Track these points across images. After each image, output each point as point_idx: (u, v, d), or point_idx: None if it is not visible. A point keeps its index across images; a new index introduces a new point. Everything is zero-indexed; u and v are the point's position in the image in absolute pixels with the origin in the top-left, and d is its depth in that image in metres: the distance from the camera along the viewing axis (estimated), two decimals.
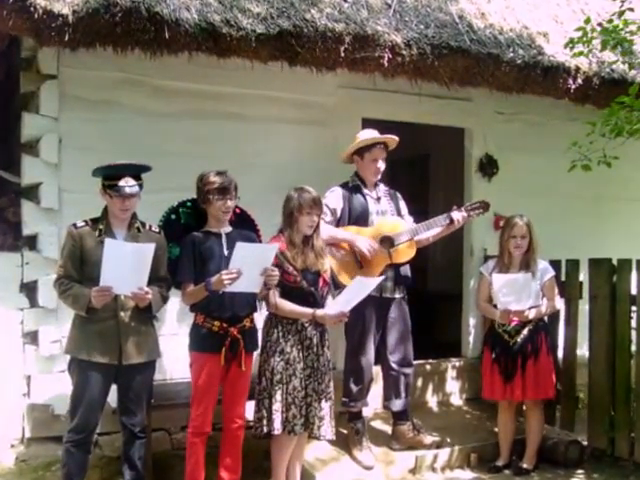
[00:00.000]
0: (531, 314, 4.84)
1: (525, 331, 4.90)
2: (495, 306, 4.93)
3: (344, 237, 4.81)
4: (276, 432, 4.07)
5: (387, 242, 4.85)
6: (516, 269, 4.93)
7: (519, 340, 4.89)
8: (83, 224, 3.89)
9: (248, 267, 3.81)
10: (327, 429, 4.22)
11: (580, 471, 5.07)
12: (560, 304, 5.16)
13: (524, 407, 5.29)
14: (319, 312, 4.13)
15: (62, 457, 3.91)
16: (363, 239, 4.79)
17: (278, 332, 4.16)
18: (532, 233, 4.93)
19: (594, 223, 6.55)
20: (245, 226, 4.32)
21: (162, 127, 4.95)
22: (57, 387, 4.55)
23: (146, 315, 3.93)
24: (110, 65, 4.70)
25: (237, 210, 4.28)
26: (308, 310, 4.14)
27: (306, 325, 4.19)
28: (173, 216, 4.24)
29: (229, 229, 4.16)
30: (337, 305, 4.15)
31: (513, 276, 4.84)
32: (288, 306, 4.13)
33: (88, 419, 3.84)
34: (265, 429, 4.11)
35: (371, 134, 4.97)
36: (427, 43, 5.02)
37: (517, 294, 4.76)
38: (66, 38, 4.17)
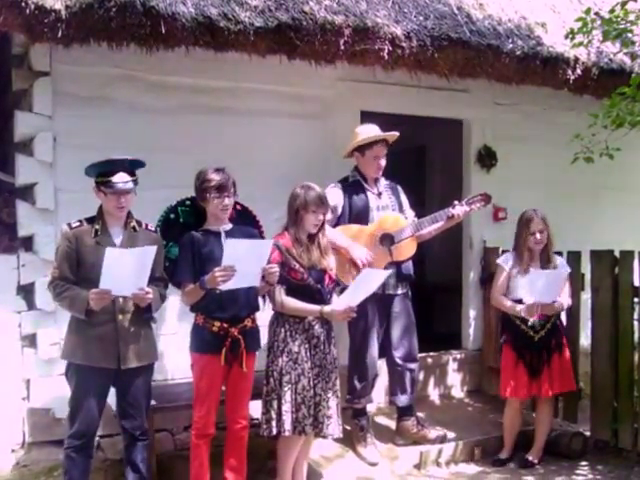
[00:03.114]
0: (557, 307, 4.78)
1: (549, 325, 4.85)
2: (517, 301, 4.84)
3: (341, 244, 4.71)
4: (287, 433, 4.03)
5: (387, 240, 4.82)
6: (537, 263, 4.88)
7: (544, 334, 4.84)
8: (78, 224, 3.80)
9: (242, 263, 3.74)
10: (335, 427, 4.18)
11: (584, 463, 5.07)
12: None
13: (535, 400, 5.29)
14: (326, 308, 4.09)
15: (63, 463, 3.85)
16: (360, 249, 4.72)
17: (285, 331, 4.11)
18: (548, 226, 4.87)
19: (594, 213, 6.56)
20: (246, 222, 4.25)
21: (159, 123, 4.87)
22: (57, 390, 4.47)
23: (145, 316, 3.86)
24: (105, 61, 4.61)
25: (238, 207, 4.22)
26: (315, 307, 4.09)
27: (313, 323, 4.14)
28: (172, 215, 4.16)
29: (229, 227, 4.09)
30: (345, 300, 4.11)
31: (546, 271, 4.79)
32: (294, 304, 4.08)
33: (88, 424, 3.77)
34: (275, 430, 4.06)
35: (371, 129, 4.91)
36: (427, 35, 4.98)
37: (548, 289, 4.68)
38: (59, 34, 4.09)
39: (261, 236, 4.30)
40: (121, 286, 3.61)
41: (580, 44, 5.04)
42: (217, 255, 3.91)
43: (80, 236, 3.76)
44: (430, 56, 5.04)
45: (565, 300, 4.89)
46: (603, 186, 6.57)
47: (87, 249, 3.74)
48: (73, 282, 3.73)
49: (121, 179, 3.72)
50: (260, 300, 4.20)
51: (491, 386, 5.81)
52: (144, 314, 3.83)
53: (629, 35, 5.01)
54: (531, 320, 4.82)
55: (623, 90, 4.67)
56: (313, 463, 4.67)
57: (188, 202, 4.18)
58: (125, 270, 3.54)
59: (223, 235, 4.02)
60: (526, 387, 4.88)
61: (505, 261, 5.02)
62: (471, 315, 6.21)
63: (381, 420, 5.42)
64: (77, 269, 3.75)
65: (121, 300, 3.73)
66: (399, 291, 4.97)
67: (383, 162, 4.91)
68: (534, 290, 4.70)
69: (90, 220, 3.82)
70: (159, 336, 4.77)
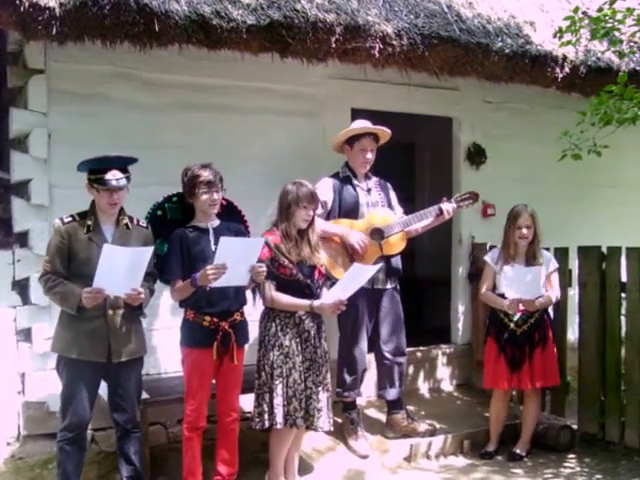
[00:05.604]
0: (537, 304, 4.82)
1: (532, 320, 4.91)
2: (501, 295, 4.91)
3: (335, 231, 4.82)
4: (278, 426, 4.09)
5: (377, 234, 4.88)
6: (522, 259, 4.94)
7: (526, 329, 4.91)
8: (70, 219, 3.83)
9: (234, 261, 3.79)
10: (325, 420, 4.24)
11: (572, 455, 5.13)
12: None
13: (521, 394, 5.36)
14: (316, 303, 4.15)
15: (57, 456, 3.90)
16: (354, 233, 4.81)
17: (276, 326, 4.17)
18: (536, 223, 4.93)
19: (582, 210, 6.62)
20: (232, 217, 4.29)
21: (152, 120, 4.91)
22: (51, 384, 4.48)
23: (136, 313, 3.91)
24: (99, 58, 4.65)
25: (224, 202, 4.24)
26: (305, 302, 4.15)
27: (303, 318, 4.20)
28: (159, 212, 4.20)
29: (216, 223, 4.14)
30: (334, 294, 4.17)
31: (525, 268, 4.85)
32: (285, 299, 4.14)
33: (80, 417, 3.82)
34: (267, 423, 4.12)
35: (363, 123, 4.98)
36: (417, 33, 5.03)
37: (528, 285, 4.76)
38: (53, 32, 4.11)
39: (247, 231, 4.35)
40: (114, 285, 3.64)
41: (568, 43, 5.10)
42: (207, 253, 3.97)
43: (72, 231, 3.79)
44: (420, 54, 5.08)
45: (553, 295, 4.95)
46: (591, 183, 6.65)
47: (79, 245, 3.77)
48: (64, 277, 3.77)
49: (114, 176, 3.75)
50: (250, 295, 4.26)
51: (480, 380, 5.82)
52: (135, 310, 3.89)
53: (616, 34, 5.06)
54: (516, 315, 4.89)
55: (611, 88, 4.73)
56: (305, 455, 4.73)
57: (175, 198, 4.23)
58: (120, 269, 3.58)
59: (211, 232, 4.07)
60: (507, 379, 4.94)
61: (491, 257, 5.09)
62: (460, 310, 6.28)
63: (371, 413, 5.48)
64: (68, 264, 3.78)
65: (112, 296, 3.75)
66: (388, 286, 5.03)
67: (370, 156, 4.96)
68: (514, 286, 4.78)
69: (82, 215, 3.85)
70: (153, 331, 4.86)
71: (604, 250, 5.14)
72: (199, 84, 5.05)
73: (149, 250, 3.69)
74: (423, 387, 6.08)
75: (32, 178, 4.61)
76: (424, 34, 5.07)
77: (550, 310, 5.11)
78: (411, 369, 5.95)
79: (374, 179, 5.14)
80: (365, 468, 4.81)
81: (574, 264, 5.36)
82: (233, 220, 4.27)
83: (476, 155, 6.21)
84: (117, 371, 3.87)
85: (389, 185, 5.24)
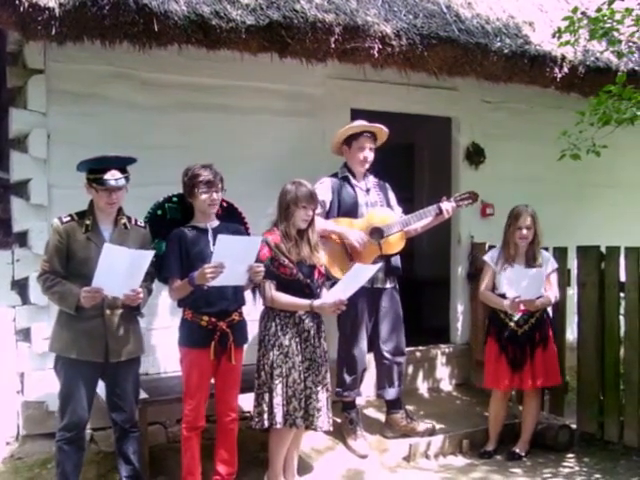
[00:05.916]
0: (538, 303, 4.82)
1: (533, 320, 4.91)
2: (502, 296, 4.91)
3: (334, 230, 4.83)
4: (278, 426, 4.09)
5: (377, 233, 4.88)
6: (522, 259, 4.94)
7: (527, 329, 4.91)
8: (69, 219, 3.83)
9: (232, 260, 3.79)
10: (324, 420, 4.24)
11: (570, 455, 5.14)
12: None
13: (520, 393, 5.35)
14: (316, 302, 4.15)
15: (55, 456, 3.90)
16: (353, 231, 4.82)
17: (276, 325, 4.17)
18: (537, 224, 4.94)
19: (580, 210, 6.63)
20: (233, 219, 4.30)
21: (151, 120, 4.92)
22: (51, 383, 4.48)
23: (134, 313, 3.92)
24: (98, 59, 4.66)
25: (224, 203, 4.26)
26: (305, 301, 4.15)
27: (303, 317, 4.20)
28: (159, 212, 4.20)
29: (216, 223, 4.14)
30: (335, 293, 4.17)
31: (525, 269, 4.85)
32: (285, 298, 4.14)
33: (79, 417, 3.83)
34: (266, 423, 4.12)
35: (359, 122, 4.99)
36: (416, 33, 5.04)
37: (528, 286, 4.75)
38: (53, 32, 4.12)
39: (247, 233, 4.35)
40: (113, 286, 3.64)
41: (567, 43, 5.10)
42: (205, 253, 3.97)
43: (71, 231, 3.79)
44: (419, 54, 5.09)
45: (552, 295, 4.95)
46: (590, 183, 6.65)
47: (78, 244, 3.78)
48: (63, 276, 3.78)
49: (112, 176, 3.76)
50: (250, 295, 4.26)
51: (479, 379, 5.83)
52: (133, 310, 3.89)
53: (615, 34, 5.07)
54: (517, 315, 4.89)
55: (609, 88, 4.74)
56: (304, 455, 4.74)
57: (175, 199, 4.23)
58: (120, 270, 3.58)
59: (210, 232, 4.07)
60: (508, 379, 4.94)
61: (491, 257, 5.09)
62: (459, 309, 6.29)
63: (370, 413, 5.48)
64: (67, 263, 3.79)
65: (110, 296, 3.76)
66: (387, 285, 5.04)
67: (369, 154, 4.97)
68: (514, 286, 4.78)
69: (81, 215, 3.85)
70: (151, 330, 4.87)
71: (603, 250, 5.14)
72: (198, 84, 5.05)
73: (149, 254, 3.70)
74: (422, 387, 6.08)
75: (31, 178, 4.62)
76: (423, 34, 5.07)
77: (549, 309, 5.12)
78: (410, 369, 5.96)
79: (373, 179, 5.15)
80: (364, 468, 4.81)
81: (573, 264, 5.35)
82: (233, 222, 4.27)
83: (475, 155, 6.21)
84: (115, 371, 3.88)
85: (388, 185, 5.25)
